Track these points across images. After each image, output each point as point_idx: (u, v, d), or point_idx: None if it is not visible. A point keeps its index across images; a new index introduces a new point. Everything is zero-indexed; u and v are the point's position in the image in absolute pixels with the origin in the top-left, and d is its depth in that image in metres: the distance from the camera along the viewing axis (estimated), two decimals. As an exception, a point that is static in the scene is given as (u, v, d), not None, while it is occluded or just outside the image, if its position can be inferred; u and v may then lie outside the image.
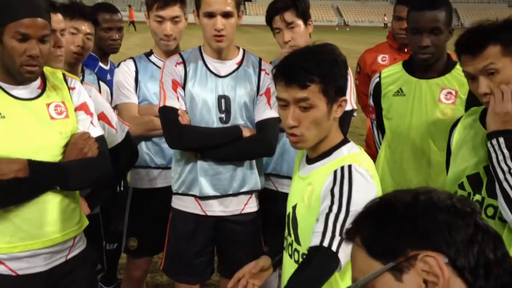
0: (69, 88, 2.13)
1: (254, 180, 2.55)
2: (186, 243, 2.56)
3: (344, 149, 1.78)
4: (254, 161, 2.55)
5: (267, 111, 2.52)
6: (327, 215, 1.64)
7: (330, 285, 1.67)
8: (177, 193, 2.59)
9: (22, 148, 1.95)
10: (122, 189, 3.22)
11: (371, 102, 2.77)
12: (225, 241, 2.60)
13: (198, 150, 2.49)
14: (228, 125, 2.51)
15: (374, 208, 0.97)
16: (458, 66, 2.44)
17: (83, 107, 2.15)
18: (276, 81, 1.73)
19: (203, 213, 2.54)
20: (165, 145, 2.77)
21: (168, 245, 2.64)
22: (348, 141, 1.81)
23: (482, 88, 1.82)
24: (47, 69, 2.11)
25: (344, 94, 1.75)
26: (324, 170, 1.74)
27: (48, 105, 2.04)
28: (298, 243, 1.80)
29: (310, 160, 1.83)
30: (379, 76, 2.70)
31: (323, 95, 1.68)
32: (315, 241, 1.61)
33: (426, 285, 0.88)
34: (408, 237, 0.90)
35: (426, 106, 2.53)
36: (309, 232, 1.67)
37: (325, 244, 1.59)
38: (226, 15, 2.43)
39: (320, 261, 1.60)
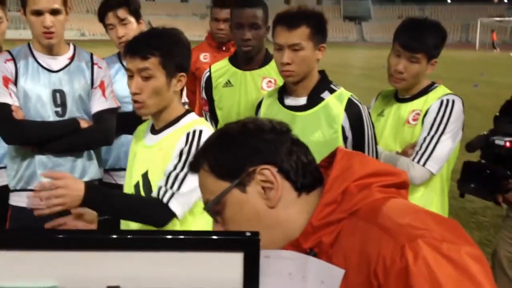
0: None
1: (94, 169, 2.64)
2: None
3: (190, 116, 2.00)
4: (92, 152, 2.64)
5: (102, 103, 2.63)
6: (170, 172, 1.87)
7: (187, 225, 1.90)
8: (15, 190, 2.58)
9: None
10: None
11: (203, 95, 3.01)
12: None
13: (36, 144, 2.51)
14: (65, 118, 2.57)
15: (214, 139, 1.18)
16: None
17: None
18: (126, 54, 1.90)
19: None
20: None
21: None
22: (190, 112, 2.03)
23: (284, 58, 2.16)
24: None
25: (184, 71, 1.96)
26: (174, 135, 1.94)
27: None
28: None
29: (156, 131, 2.00)
30: (209, 71, 2.96)
31: (162, 68, 1.88)
32: (155, 194, 1.89)
33: (264, 191, 1.11)
34: (245, 156, 1.12)
35: (251, 94, 2.84)
36: None
37: (164, 199, 1.86)
38: (54, 12, 2.50)
39: (157, 213, 1.88)
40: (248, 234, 0.93)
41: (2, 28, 2.92)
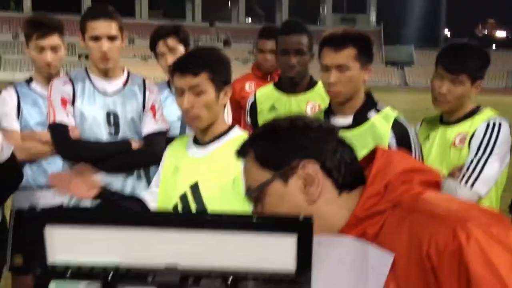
0: None
1: (143, 187, 2.72)
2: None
3: (236, 130, 2.07)
4: (142, 171, 2.73)
5: (152, 125, 2.74)
6: None
7: None
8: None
9: None
10: None
11: (248, 120, 3.09)
12: None
13: (90, 162, 2.61)
14: (118, 138, 2.68)
15: (263, 130, 1.25)
16: (319, 84, 2.86)
17: None
18: (174, 73, 1.99)
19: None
20: (46, 165, 2.87)
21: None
22: (234, 125, 2.11)
23: (331, 78, 2.22)
24: None
25: (229, 84, 2.05)
26: (226, 148, 2.01)
27: None
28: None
29: (203, 144, 2.08)
30: (254, 96, 3.05)
31: (211, 82, 1.97)
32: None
33: (305, 186, 1.16)
34: (290, 150, 1.17)
35: None
36: (219, 201, 1.95)
37: None
38: (111, 38, 2.65)
39: None
40: (301, 217, 0.97)
41: (60, 55, 3.09)
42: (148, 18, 58.04)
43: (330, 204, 1.16)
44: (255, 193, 1.20)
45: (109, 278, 1.00)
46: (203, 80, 1.96)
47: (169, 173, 2.16)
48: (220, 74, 2.00)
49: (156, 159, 2.71)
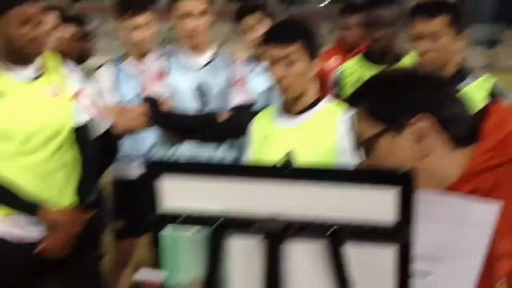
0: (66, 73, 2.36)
1: (232, 158, 2.82)
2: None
3: (328, 98, 2.12)
4: (230, 142, 2.83)
5: (239, 97, 2.82)
6: None
7: None
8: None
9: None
10: None
11: (333, 93, 3.11)
12: None
13: (181, 132, 2.74)
14: (206, 110, 2.78)
15: (377, 81, 1.23)
16: (408, 56, 2.86)
17: (80, 93, 2.37)
18: (267, 43, 2.05)
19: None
20: (140, 138, 3.03)
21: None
22: (325, 95, 2.15)
23: (424, 46, 2.20)
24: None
25: (318, 54, 2.08)
26: (320, 116, 2.07)
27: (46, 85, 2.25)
28: None
29: (294, 113, 2.13)
30: (340, 70, 3.08)
31: (304, 52, 2.00)
32: None
33: (418, 139, 1.14)
34: (405, 103, 1.15)
35: None
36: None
37: None
38: (200, 14, 2.74)
39: None
40: (404, 170, 0.97)
41: (152, 32, 3.22)
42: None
43: (442, 158, 1.14)
44: (364, 145, 1.18)
45: (218, 224, 1.07)
46: (296, 49, 2.00)
47: (259, 144, 2.23)
48: (311, 44, 2.03)
49: (243, 131, 2.80)
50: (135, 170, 3.14)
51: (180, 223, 1.09)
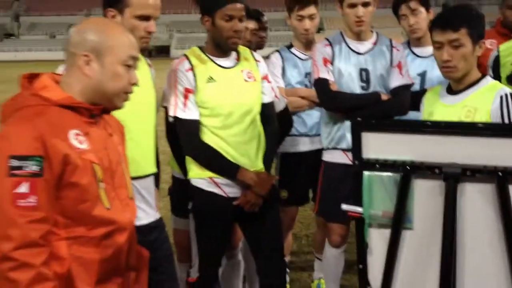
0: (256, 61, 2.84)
1: None
2: (336, 189, 3.15)
3: (488, 78, 2.36)
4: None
5: (399, 80, 3.10)
6: None
7: None
8: (328, 149, 3.21)
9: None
10: None
11: (490, 73, 3.27)
12: None
13: (346, 111, 3.09)
14: (369, 91, 3.11)
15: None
16: None
17: (266, 77, 2.84)
18: (435, 29, 2.33)
19: (350, 163, 3.12)
20: (305, 116, 3.45)
21: (321, 192, 3.25)
22: (485, 75, 2.38)
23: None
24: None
25: (482, 38, 2.31)
26: (480, 94, 2.32)
27: (242, 71, 2.74)
28: None
29: (456, 92, 2.39)
30: (498, 51, 3.22)
31: (469, 37, 2.26)
32: None
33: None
34: None
35: None
36: None
37: None
38: (366, 4, 3.06)
39: None
40: None
41: (316, 23, 3.61)
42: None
43: None
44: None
45: (406, 169, 1.42)
46: (462, 35, 2.25)
47: (425, 118, 2.52)
48: (476, 29, 2.27)
49: (402, 110, 3.10)
50: (300, 145, 3.56)
51: (378, 169, 1.45)
